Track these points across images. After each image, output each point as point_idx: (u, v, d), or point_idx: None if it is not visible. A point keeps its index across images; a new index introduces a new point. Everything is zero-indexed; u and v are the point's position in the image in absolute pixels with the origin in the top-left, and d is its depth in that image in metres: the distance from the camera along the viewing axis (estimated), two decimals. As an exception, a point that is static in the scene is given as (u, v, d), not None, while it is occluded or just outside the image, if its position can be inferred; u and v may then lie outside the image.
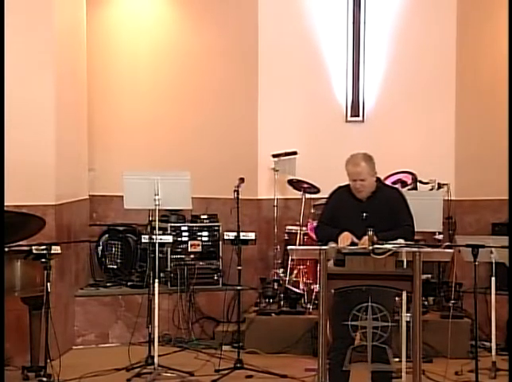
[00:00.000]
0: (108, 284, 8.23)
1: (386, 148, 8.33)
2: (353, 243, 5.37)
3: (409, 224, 5.60)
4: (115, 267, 8.42)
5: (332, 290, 5.48)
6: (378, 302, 5.13)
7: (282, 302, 7.79)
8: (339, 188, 5.78)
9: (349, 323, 5.13)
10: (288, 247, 5.97)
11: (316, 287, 7.55)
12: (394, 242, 5.27)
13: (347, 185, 5.68)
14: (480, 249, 6.26)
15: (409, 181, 7.91)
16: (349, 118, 8.55)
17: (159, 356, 6.82)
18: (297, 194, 8.26)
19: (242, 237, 7.12)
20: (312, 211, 7.98)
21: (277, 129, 8.50)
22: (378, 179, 5.70)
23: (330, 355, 5.40)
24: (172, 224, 8.25)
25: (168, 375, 6.75)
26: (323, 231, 5.67)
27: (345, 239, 5.39)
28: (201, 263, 8.22)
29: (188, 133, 8.71)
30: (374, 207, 5.54)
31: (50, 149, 7.20)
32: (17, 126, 6.98)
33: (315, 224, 7.83)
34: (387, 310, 5.16)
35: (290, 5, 8.51)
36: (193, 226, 8.31)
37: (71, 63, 7.78)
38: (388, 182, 7.86)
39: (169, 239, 7.21)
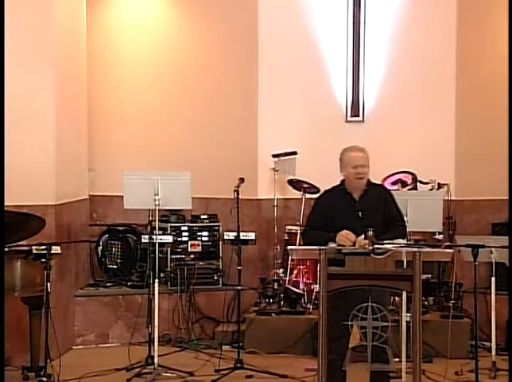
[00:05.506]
0: (108, 284, 8.23)
1: (386, 148, 8.34)
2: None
3: (401, 219, 5.68)
4: (115, 266, 8.41)
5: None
6: (373, 301, 5.12)
7: (282, 302, 7.79)
8: (327, 191, 5.77)
9: (348, 323, 5.13)
10: (288, 247, 5.96)
11: (316, 287, 7.55)
12: (394, 242, 5.28)
13: (336, 187, 5.69)
14: (480, 249, 6.26)
15: (409, 181, 7.92)
16: (349, 118, 8.56)
17: (159, 356, 6.82)
18: (297, 194, 8.26)
19: (242, 237, 7.12)
20: (312, 211, 7.98)
21: (277, 129, 8.51)
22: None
23: (328, 356, 5.39)
24: (172, 224, 8.25)
25: (168, 375, 6.75)
26: (312, 237, 5.53)
27: (344, 237, 5.37)
28: (201, 263, 8.22)
29: (188, 133, 8.71)
30: (369, 205, 5.57)
31: (50, 149, 7.20)
32: (18, 127, 6.98)
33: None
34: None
35: (290, 4, 8.51)
36: (193, 226, 8.31)
37: (71, 63, 7.78)
38: (388, 182, 7.89)
39: (169, 239, 7.21)
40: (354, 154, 5.59)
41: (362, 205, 5.56)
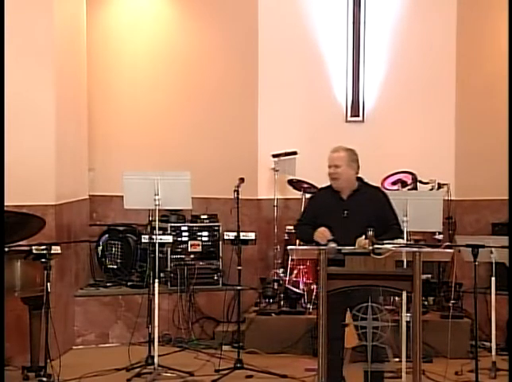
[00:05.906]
0: (108, 284, 8.23)
1: (386, 148, 8.34)
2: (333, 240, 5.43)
3: (396, 222, 5.72)
4: (115, 266, 8.41)
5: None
6: (365, 301, 5.14)
7: (282, 302, 7.79)
8: (321, 189, 5.96)
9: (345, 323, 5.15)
10: (289, 247, 5.97)
11: (316, 287, 7.55)
12: (394, 242, 5.28)
13: (329, 186, 5.78)
14: (480, 249, 6.26)
15: (409, 181, 7.91)
16: (349, 118, 8.56)
17: (159, 356, 6.81)
18: (297, 194, 8.26)
19: (242, 237, 7.12)
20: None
21: (277, 129, 8.51)
22: (361, 179, 5.77)
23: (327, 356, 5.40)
24: (172, 224, 8.25)
25: (168, 375, 6.75)
26: (300, 232, 5.88)
27: (321, 234, 5.46)
28: (201, 263, 8.22)
29: (188, 133, 8.71)
30: (356, 205, 5.63)
31: (50, 149, 7.20)
32: (18, 126, 6.98)
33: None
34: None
35: (290, 4, 8.51)
36: (193, 226, 8.31)
37: (71, 63, 7.78)
38: (388, 182, 7.89)
39: (169, 239, 7.21)
40: (330, 154, 5.72)
41: (349, 205, 5.64)
